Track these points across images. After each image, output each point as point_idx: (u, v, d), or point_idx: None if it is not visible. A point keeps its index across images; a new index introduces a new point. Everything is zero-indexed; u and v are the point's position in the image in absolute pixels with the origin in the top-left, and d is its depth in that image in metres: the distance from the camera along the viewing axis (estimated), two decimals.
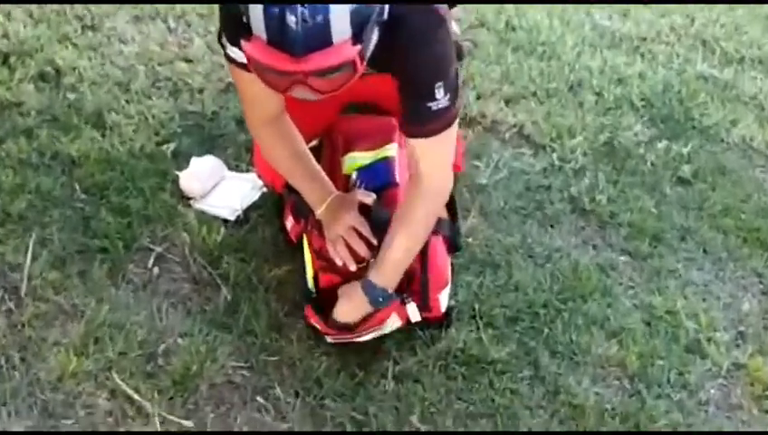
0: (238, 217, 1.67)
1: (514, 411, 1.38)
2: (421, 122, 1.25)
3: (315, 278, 1.44)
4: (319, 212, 1.45)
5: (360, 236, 1.41)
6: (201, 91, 1.98)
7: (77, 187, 1.71)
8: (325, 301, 1.43)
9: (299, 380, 1.40)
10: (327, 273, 1.44)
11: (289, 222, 1.56)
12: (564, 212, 1.77)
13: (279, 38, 1.03)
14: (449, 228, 1.50)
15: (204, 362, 1.42)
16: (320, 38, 1.02)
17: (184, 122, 1.89)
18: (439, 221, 1.43)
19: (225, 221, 1.67)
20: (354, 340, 1.42)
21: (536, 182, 1.83)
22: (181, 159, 1.80)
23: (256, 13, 1.04)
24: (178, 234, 1.64)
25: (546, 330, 1.51)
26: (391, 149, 1.54)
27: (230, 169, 1.78)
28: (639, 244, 1.70)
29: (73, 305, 1.49)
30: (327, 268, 1.43)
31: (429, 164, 1.30)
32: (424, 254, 1.41)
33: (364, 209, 1.44)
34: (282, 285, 1.56)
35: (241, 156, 1.81)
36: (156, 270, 1.58)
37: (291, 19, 1.01)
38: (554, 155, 1.90)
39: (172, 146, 1.82)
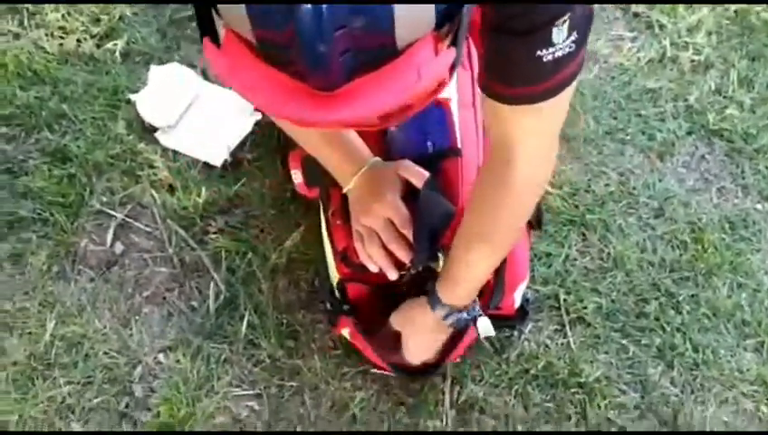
0: (225, 161, 1.19)
1: None
2: (522, 80, 0.71)
3: (341, 287, 1.01)
4: (346, 189, 0.97)
5: (400, 234, 0.95)
6: None
7: None
8: (358, 311, 1.01)
9: (325, 416, 1.04)
10: (356, 283, 0.99)
11: (297, 176, 1.08)
12: (679, 134, 1.27)
13: (280, 45, 0.47)
14: None
15: (197, 392, 1.04)
16: (371, 45, 0.47)
17: None
18: None
19: (208, 165, 1.19)
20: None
21: (639, 85, 1.30)
22: (135, 65, 1.26)
23: None
24: (144, 190, 1.17)
25: (658, 331, 1.11)
26: (447, 91, 0.99)
27: (206, 78, 1.26)
28: None
29: (4, 314, 1.08)
30: (355, 277, 0.98)
31: (530, 144, 0.78)
32: None
33: (408, 191, 0.96)
34: (292, 264, 1.13)
35: None
36: (118, 247, 1.14)
37: None
38: (666, 40, 1.34)
39: (120, 43, 1.28)
